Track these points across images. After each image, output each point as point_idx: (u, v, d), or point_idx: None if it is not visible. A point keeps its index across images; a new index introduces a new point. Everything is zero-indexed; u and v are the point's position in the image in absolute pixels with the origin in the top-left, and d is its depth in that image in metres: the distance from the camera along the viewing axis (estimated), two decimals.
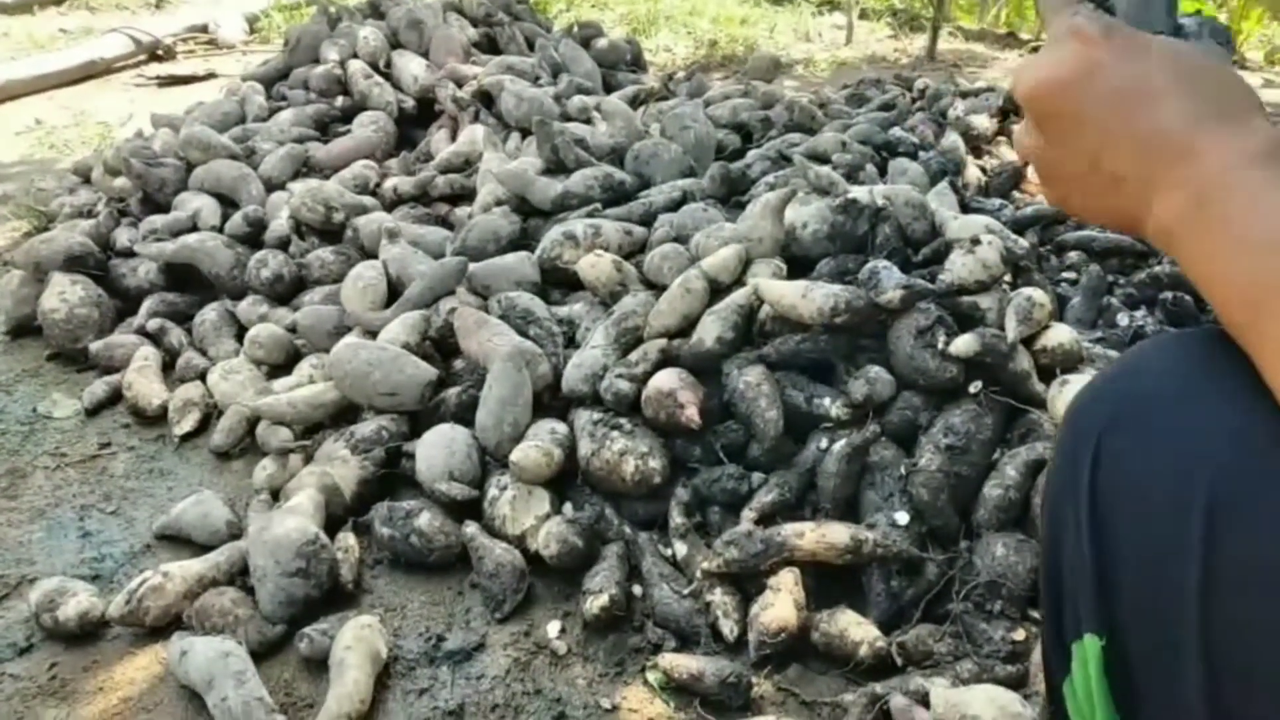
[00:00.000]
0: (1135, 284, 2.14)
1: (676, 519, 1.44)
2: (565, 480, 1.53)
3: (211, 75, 4.29)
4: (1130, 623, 0.59)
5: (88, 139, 3.47)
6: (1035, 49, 4.68)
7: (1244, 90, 0.58)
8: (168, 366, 2.01)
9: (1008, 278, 1.63)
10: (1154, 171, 0.58)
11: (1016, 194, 2.54)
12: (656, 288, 1.74)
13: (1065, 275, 2.18)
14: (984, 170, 2.53)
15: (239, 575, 1.42)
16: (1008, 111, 2.91)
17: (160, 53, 4.53)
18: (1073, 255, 2.21)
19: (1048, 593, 0.66)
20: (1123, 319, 2.03)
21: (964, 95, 3.12)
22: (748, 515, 1.41)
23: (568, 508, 1.49)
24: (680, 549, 1.42)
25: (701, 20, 4.93)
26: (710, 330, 1.54)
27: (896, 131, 2.44)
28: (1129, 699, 0.59)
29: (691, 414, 1.43)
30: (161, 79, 4.23)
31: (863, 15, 5.30)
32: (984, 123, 2.64)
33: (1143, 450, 0.59)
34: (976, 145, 2.65)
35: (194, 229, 2.18)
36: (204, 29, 4.82)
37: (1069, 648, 0.63)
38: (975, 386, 1.46)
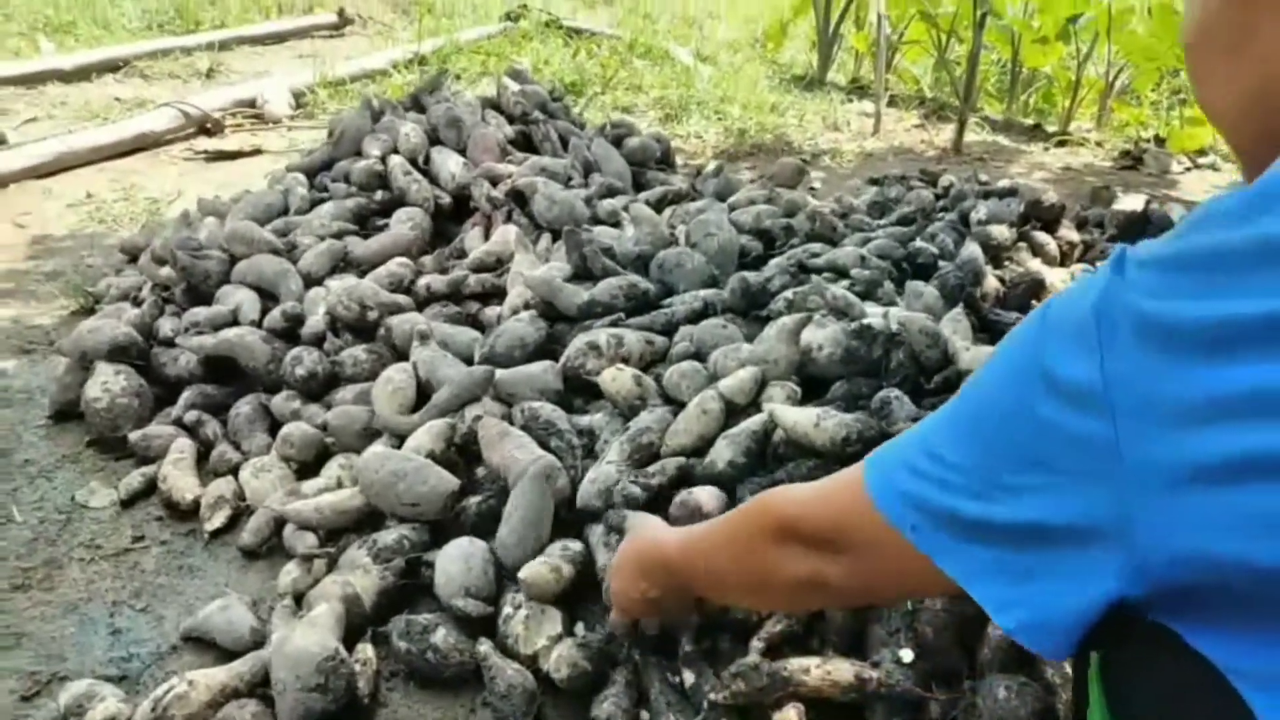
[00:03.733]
0: None
1: (686, 646, 1.47)
2: (580, 597, 1.57)
3: (257, 151, 4.45)
4: None
5: (136, 215, 3.61)
6: (1061, 142, 4.77)
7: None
8: (202, 457, 2.08)
9: None
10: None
11: (1035, 303, 2.59)
12: (675, 403, 1.79)
13: None
14: (1002, 281, 2.58)
15: (260, 685, 1.46)
16: (1028, 217, 2.97)
17: (209, 126, 4.70)
18: None
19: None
20: None
21: (986, 195, 3.18)
22: (756, 645, 1.44)
23: (579, 628, 1.52)
24: (689, 677, 1.45)
25: (732, 107, 5.06)
26: (724, 454, 1.59)
27: (916, 243, 2.49)
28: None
29: None
30: (209, 154, 4.39)
31: (891, 102, 5.41)
32: (1004, 233, 2.70)
33: None
34: (996, 254, 2.70)
35: (235, 322, 2.26)
36: (251, 103, 4.99)
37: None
38: None
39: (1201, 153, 4.54)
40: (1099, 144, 4.82)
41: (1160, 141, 4.74)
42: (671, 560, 1.22)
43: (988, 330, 2.16)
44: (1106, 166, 4.46)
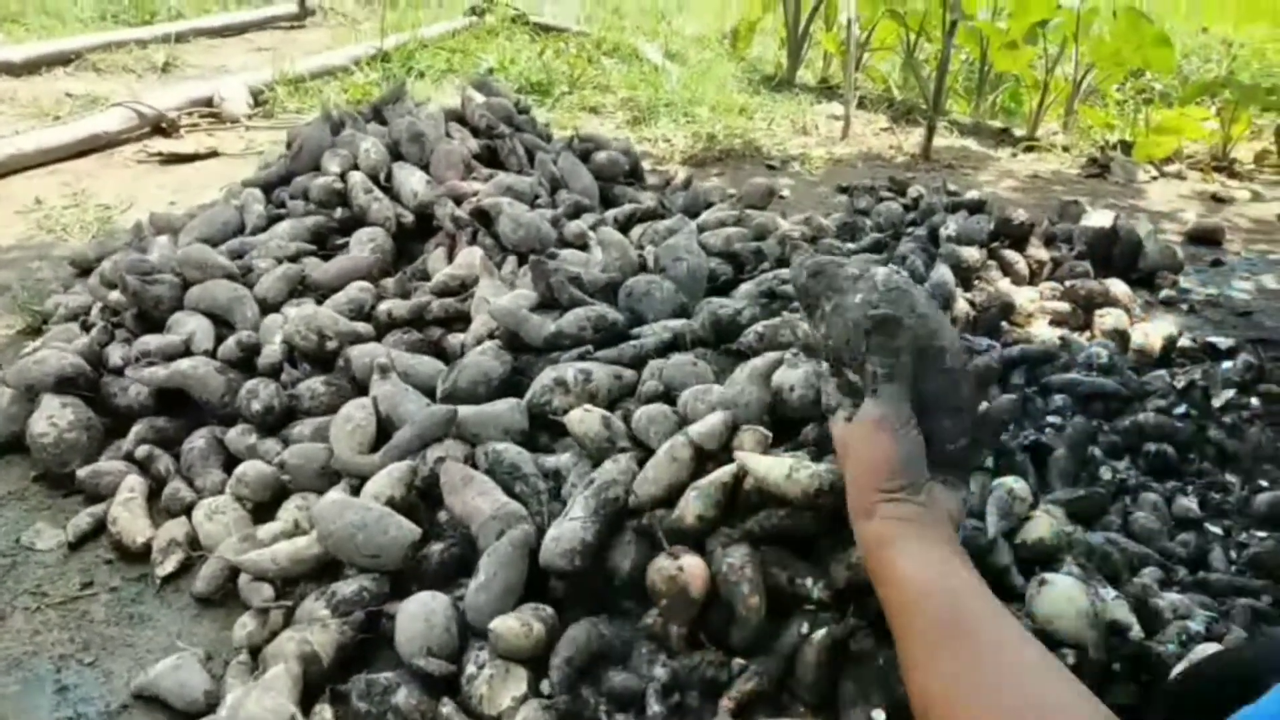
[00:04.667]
0: (1119, 430, 2.16)
1: (654, 707, 1.44)
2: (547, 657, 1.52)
3: (214, 153, 4.34)
4: None
5: (87, 223, 3.49)
6: (1029, 148, 4.77)
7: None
8: (154, 493, 2.01)
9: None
10: (852, 520, 1.19)
11: (1004, 325, 2.58)
12: (644, 447, 1.75)
13: (1050, 419, 2.20)
14: (972, 304, 2.56)
15: None
16: (997, 234, 2.96)
17: (164, 126, 4.58)
18: (1058, 399, 2.24)
19: None
20: (1105, 472, 2.06)
21: (955, 208, 3.17)
22: (725, 705, 1.42)
23: (545, 685, 1.48)
24: None
25: (701, 109, 5.01)
26: (692, 508, 1.55)
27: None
28: None
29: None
30: (164, 156, 4.27)
31: (860, 104, 5.39)
32: (973, 255, 2.68)
33: None
34: (966, 276, 2.69)
35: (188, 351, 2.19)
36: (208, 102, 4.87)
37: None
38: None
39: (1167, 161, 4.57)
40: (1066, 149, 4.84)
41: (1127, 148, 4.76)
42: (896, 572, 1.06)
43: None
44: (1074, 174, 4.48)
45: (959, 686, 0.85)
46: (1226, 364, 2.39)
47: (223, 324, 2.28)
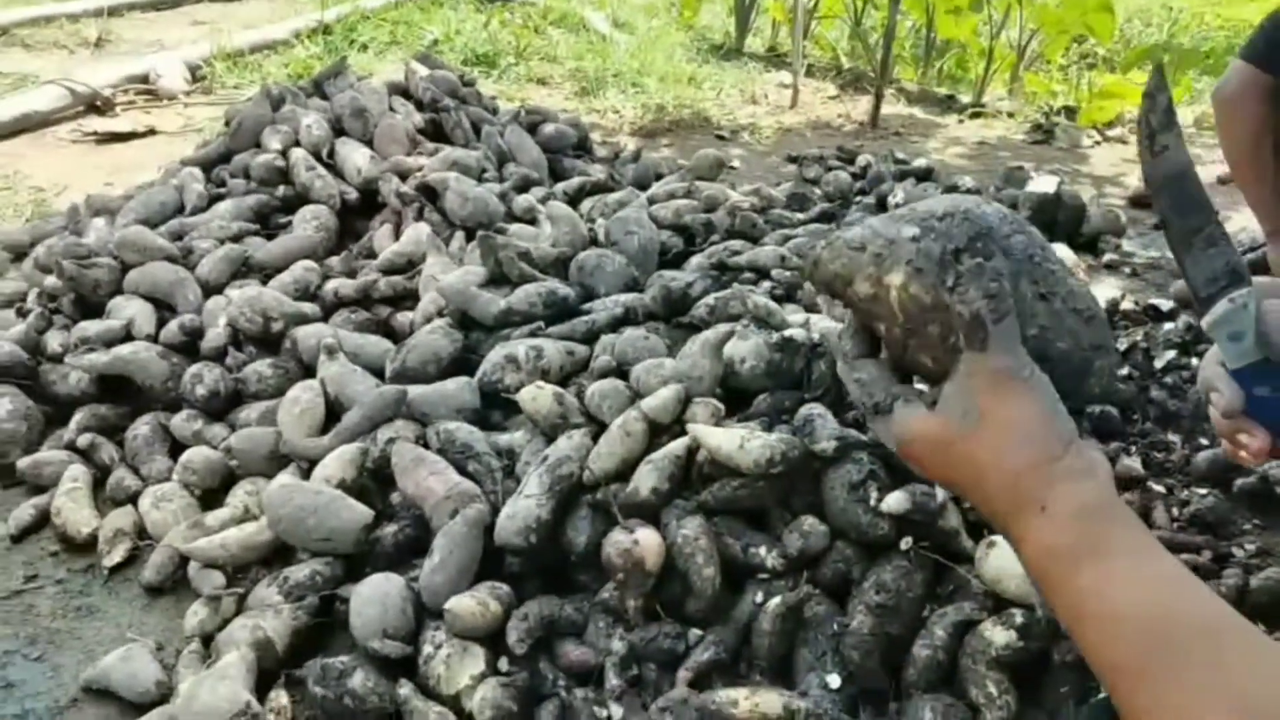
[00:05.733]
0: None
1: (613, 680, 1.44)
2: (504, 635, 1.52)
3: (151, 131, 4.22)
4: None
5: (20, 206, 3.38)
6: (976, 114, 4.81)
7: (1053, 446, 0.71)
8: (99, 483, 1.97)
9: None
10: (1005, 524, 0.72)
11: None
12: (597, 422, 1.75)
13: None
14: None
15: None
16: None
17: (99, 104, 4.43)
18: None
19: None
20: None
21: (903, 177, 3.19)
22: (683, 676, 1.43)
23: (503, 662, 1.48)
24: (616, 711, 1.42)
25: (650, 79, 4.97)
26: (646, 481, 1.55)
27: None
28: None
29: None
30: (100, 135, 4.14)
31: (809, 72, 5.39)
32: None
33: None
34: None
35: (129, 336, 2.14)
36: (144, 79, 4.72)
37: None
38: (906, 543, 1.49)
39: (1110, 125, 4.63)
40: (1011, 115, 4.88)
41: (1071, 113, 4.81)
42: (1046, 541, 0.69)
43: None
44: (1019, 140, 4.52)
45: None
46: (1168, 325, 2.44)
47: (164, 307, 2.23)
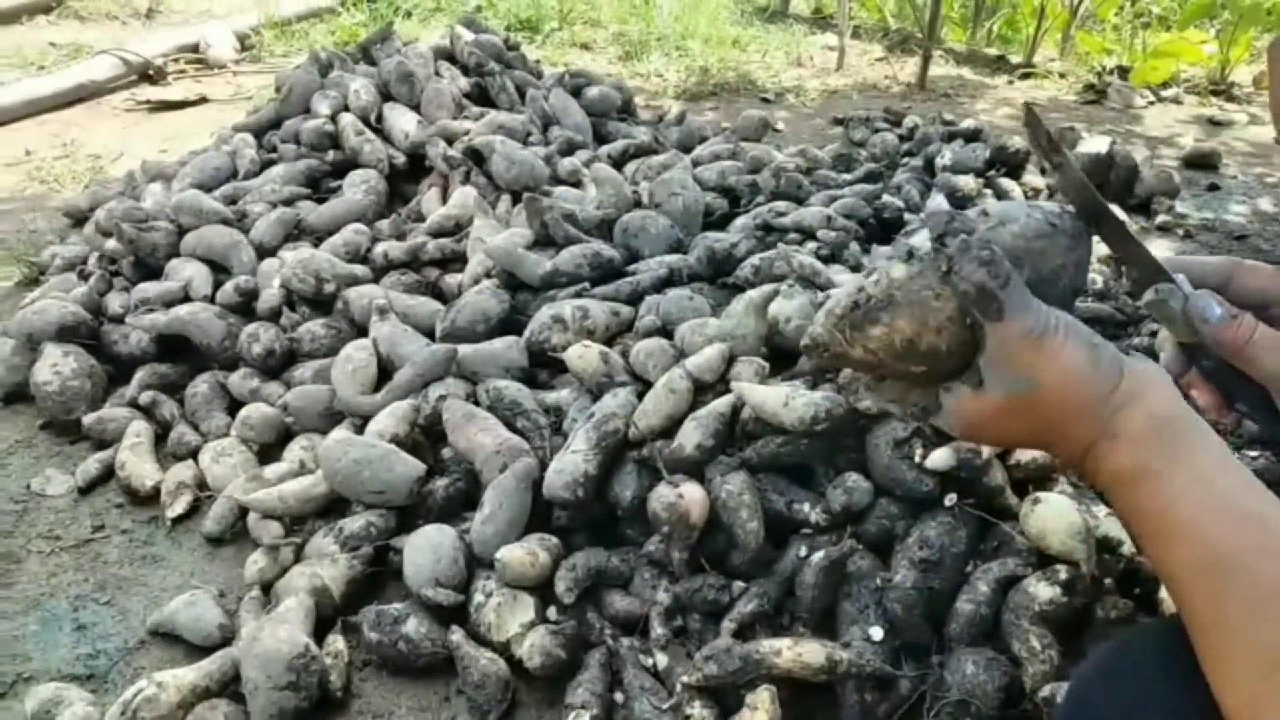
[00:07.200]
0: None
1: (658, 629, 1.48)
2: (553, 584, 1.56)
3: (203, 99, 4.29)
4: None
5: (79, 174, 3.47)
6: (1026, 75, 4.71)
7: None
8: (160, 438, 2.04)
9: None
10: (1084, 465, 0.76)
11: None
12: (642, 380, 1.77)
13: None
14: None
15: (231, 684, 1.45)
16: (993, 163, 2.94)
17: (151, 73, 4.52)
18: None
19: None
20: None
21: (951, 138, 3.15)
22: (727, 626, 1.45)
23: (552, 611, 1.52)
24: (661, 660, 1.46)
25: (694, 42, 4.94)
26: (691, 437, 1.57)
27: (883, 199, 2.46)
28: None
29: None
30: (153, 104, 4.22)
31: (855, 34, 5.32)
32: (969, 183, 2.67)
33: None
34: (961, 205, 2.68)
35: (186, 298, 2.20)
36: (194, 48, 4.80)
37: None
38: (950, 500, 1.50)
39: (1165, 85, 4.52)
40: (1062, 76, 4.78)
41: (1124, 73, 4.70)
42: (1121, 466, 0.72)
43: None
44: (1071, 101, 4.43)
45: None
46: None
47: (220, 269, 2.29)
